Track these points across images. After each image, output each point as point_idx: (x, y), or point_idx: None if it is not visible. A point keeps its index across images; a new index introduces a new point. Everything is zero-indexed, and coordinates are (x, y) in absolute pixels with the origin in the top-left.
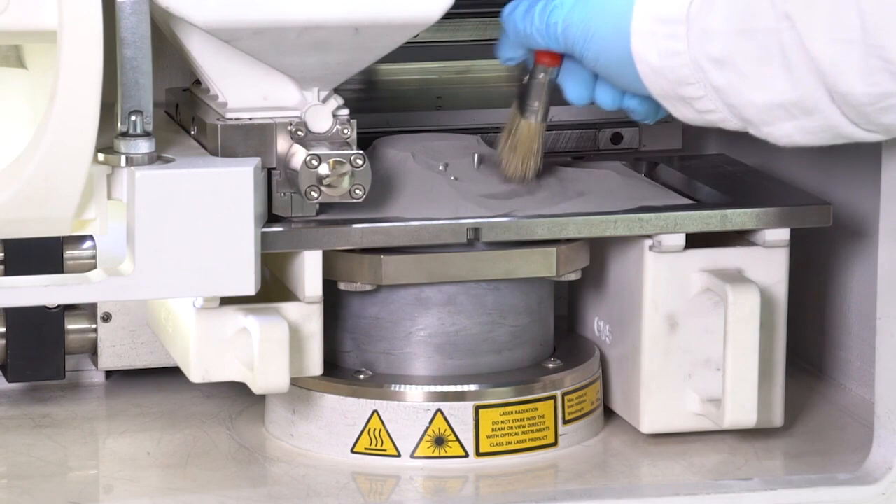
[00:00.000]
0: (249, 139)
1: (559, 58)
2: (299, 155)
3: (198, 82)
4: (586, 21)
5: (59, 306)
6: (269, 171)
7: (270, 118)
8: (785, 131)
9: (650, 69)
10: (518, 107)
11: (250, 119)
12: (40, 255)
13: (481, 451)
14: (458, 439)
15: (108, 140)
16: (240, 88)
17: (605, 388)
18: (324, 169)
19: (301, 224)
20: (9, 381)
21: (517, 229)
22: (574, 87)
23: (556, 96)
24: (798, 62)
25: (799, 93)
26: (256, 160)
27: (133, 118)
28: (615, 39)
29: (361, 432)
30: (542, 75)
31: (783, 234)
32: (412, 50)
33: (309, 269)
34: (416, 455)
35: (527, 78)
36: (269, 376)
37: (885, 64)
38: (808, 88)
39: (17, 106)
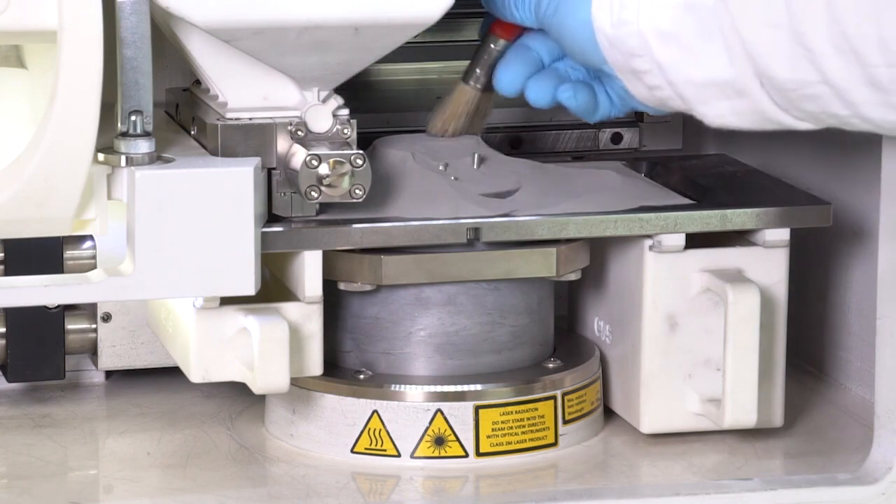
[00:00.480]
0: (249, 139)
1: (511, 34)
2: (299, 155)
3: (198, 82)
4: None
5: (59, 306)
6: (269, 171)
7: (270, 118)
8: (718, 111)
9: (606, 39)
10: (465, 71)
11: (250, 119)
12: (40, 255)
13: (481, 451)
14: (458, 439)
15: (108, 140)
16: (240, 88)
17: (605, 388)
18: (324, 169)
19: (301, 224)
20: (9, 381)
21: (517, 229)
22: (507, 74)
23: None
24: (733, 43)
25: (733, 73)
26: (256, 160)
27: (133, 118)
28: (579, 8)
29: (361, 432)
30: (491, 45)
31: (783, 234)
32: (412, 50)
33: (309, 269)
34: (416, 455)
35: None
36: (269, 376)
37: (806, 52)
38: (741, 69)
39: (17, 106)
